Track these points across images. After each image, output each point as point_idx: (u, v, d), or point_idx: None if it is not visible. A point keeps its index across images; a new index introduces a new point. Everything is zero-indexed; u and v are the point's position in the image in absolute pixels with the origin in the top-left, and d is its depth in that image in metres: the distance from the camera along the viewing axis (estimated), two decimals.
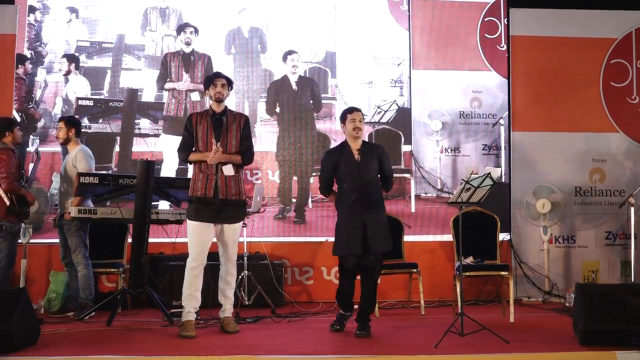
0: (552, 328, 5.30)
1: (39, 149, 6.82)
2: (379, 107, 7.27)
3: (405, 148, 7.30)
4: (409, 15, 7.41)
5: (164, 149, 7.07)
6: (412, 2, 7.40)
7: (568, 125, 7.29)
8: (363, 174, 5.03)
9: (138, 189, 5.59)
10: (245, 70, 7.27)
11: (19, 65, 7.08)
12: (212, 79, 5.14)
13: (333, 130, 7.17)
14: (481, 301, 6.70)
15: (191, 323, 5.00)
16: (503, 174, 7.14)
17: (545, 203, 7.06)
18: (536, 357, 4.33)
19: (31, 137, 7.04)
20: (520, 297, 6.90)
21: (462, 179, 4.95)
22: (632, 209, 6.14)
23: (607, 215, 7.22)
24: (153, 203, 5.91)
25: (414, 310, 6.30)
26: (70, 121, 6.03)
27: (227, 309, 5.19)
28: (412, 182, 7.26)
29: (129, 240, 6.12)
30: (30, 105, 7.09)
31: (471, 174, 4.83)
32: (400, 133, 7.29)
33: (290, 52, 7.25)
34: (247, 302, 6.11)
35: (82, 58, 7.19)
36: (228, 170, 5.04)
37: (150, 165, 5.63)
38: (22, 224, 5.91)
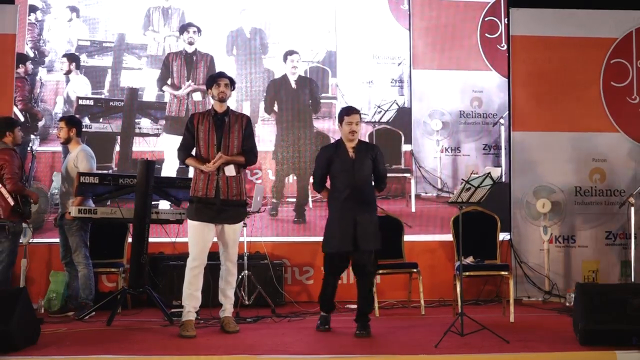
0: (552, 328, 5.31)
1: (37, 148, 6.84)
2: (379, 107, 7.27)
3: (405, 148, 7.30)
4: (409, 14, 7.41)
5: (164, 149, 7.07)
6: (412, 2, 7.40)
7: (568, 125, 7.29)
8: (357, 172, 5.04)
9: (138, 189, 5.59)
10: (246, 70, 7.27)
11: (20, 65, 7.08)
12: (216, 79, 5.13)
13: (332, 129, 7.18)
14: (481, 301, 6.71)
15: (191, 323, 5.00)
16: (503, 173, 7.15)
17: (546, 203, 7.07)
18: (536, 357, 4.34)
19: (32, 136, 7.03)
20: (521, 297, 6.90)
21: (462, 179, 4.95)
22: (632, 209, 6.13)
23: (607, 215, 7.22)
24: (153, 203, 5.90)
25: (414, 310, 6.30)
26: (71, 121, 6.02)
27: (228, 309, 5.19)
28: (413, 181, 7.26)
29: (129, 240, 6.13)
30: (34, 105, 7.09)
31: (471, 174, 4.84)
32: (401, 133, 7.29)
33: (290, 53, 7.25)
34: (247, 302, 6.11)
35: (83, 57, 7.19)
36: (230, 170, 5.04)
37: (151, 165, 5.63)
38: (24, 224, 5.90)
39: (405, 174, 7.28)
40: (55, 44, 7.21)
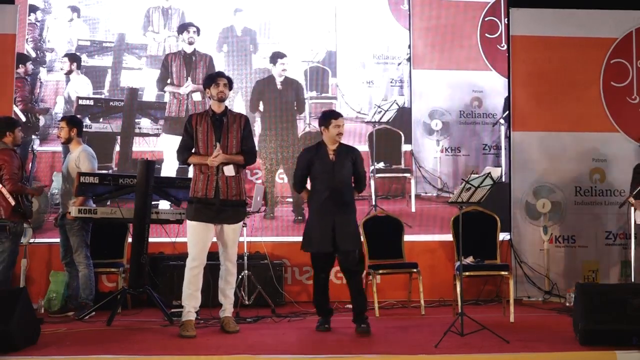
0: (552, 328, 5.31)
1: (38, 147, 6.83)
2: (379, 107, 7.26)
3: (405, 147, 7.30)
4: (409, 14, 7.41)
5: (164, 149, 7.06)
6: (412, 2, 7.40)
7: (568, 125, 7.29)
8: (337, 174, 5.14)
9: (138, 189, 5.59)
10: (244, 70, 7.27)
11: (20, 65, 7.08)
12: (215, 78, 5.12)
13: None
14: (481, 301, 6.70)
15: (191, 323, 5.00)
16: (503, 173, 7.14)
17: (546, 203, 7.07)
18: (536, 357, 4.34)
19: (32, 136, 7.03)
20: (521, 297, 6.90)
21: (462, 179, 4.95)
22: (632, 208, 6.13)
23: (607, 215, 7.22)
24: (153, 203, 5.90)
25: (414, 310, 6.30)
26: (72, 121, 6.02)
27: (227, 309, 5.19)
28: (413, 181, 7.26)
29: (129, 240, 6.13)
30: (34, 105, 7.09)
31: (471, 174, 4.84)
32: (401, 132, 7.29)
33: (280, 55, 7.23)
34: (247, 302, 6.11)
35: (83, 57, 7.19)
36: (229, 170, 5.04)
37: (151, 165, 5.63)
38: (25, 225, 5.89)
39: (405, 174, 7.28)
40: (55, 44, 7.21)
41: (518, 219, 7.22)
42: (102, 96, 7.19)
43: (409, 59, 7.37)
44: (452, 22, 7.42)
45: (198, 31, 7.21)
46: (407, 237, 6.61)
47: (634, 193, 6.01)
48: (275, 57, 7.23)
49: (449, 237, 6.51)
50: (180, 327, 4.99)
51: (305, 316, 5.91)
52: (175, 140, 5.45)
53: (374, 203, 7.14)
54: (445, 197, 7.09)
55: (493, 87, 7.41)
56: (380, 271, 6.15)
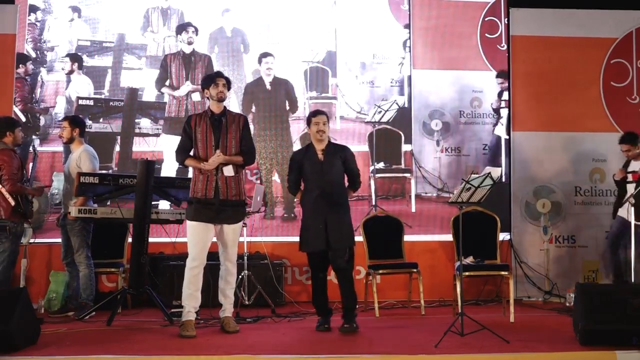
0: (552, 328, 5.31)
1: (39, 148, 6.82)
2: (379, 107, 7.26)
3: (405, 148, 7.30)
4: (409, 14, 7.41)
5: (164, 149, 7.07)
6: (412, 2, 7.40)
7: (568, 125, 7.29)
8: (326, 174, 5.21)
9: (138, 189, 5.59)
10: (242, 70, 7.27)
11: (20, 65, 7.08)
12: (214, 78, 5.12)
13: (331, 129, 7.14)
14: (481, 301, 6.70)
15: (191, 323, 5.00)
16: (503, 174, 7.15)
17: (546, 203, 7.07)
18: (536, 357, 4.34)
19: (33, 137, 7.03)
20: (521, 297, 6.90)
21: (462, 179, 4.95)
22: (632, 209, 6.13)
23: (607, 215, 7.20)
24: (153, 203, 5.90)
25: (414, 310, 6.30)
26: (75, 121, 6.02)
27: (227, 309, 5.19)
28: (413, 181, 7.26)
29: (129, 240, 6.13)
30: (34, 105, 7.09)
31: (471, 174, 4.84)
32: (401, 133, 7.29)
33: (265, 55, 7.22)
34: (247, 302, 6.11)
35: (83, 57, 7.19)
36: (228, 170, 5.05)
37: (151, 165, 5.63)
38: (26, 225, 5.89)
39: (405, 174, 7.28)
40: (55, 44, 7.21)
41: (518, 219, 7.22)
42: (102, 96, 7.19)
43: (408, 59, 7.37)
44: (452, 22, 7.42)
45: (196, 31, 7.21)
46: (407, 237, 6.61)
47: (634, 193, 6.00)
48: (261, 57, 7.24)
49: (449, 237, 6.51)
50: (180, 327, 4.99)
51: (305, 316, 5.91)
52: (175, 141, 5.45)
53: (374, 203, 7.14)
54: (445, 197, 7.08)
55: (493, 87, 7.41)
56: (380, 271, 6.15)
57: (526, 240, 7.18)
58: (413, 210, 7.23)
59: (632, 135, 6.44)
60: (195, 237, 5.02)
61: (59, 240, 6.08)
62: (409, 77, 7.37)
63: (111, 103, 7.17)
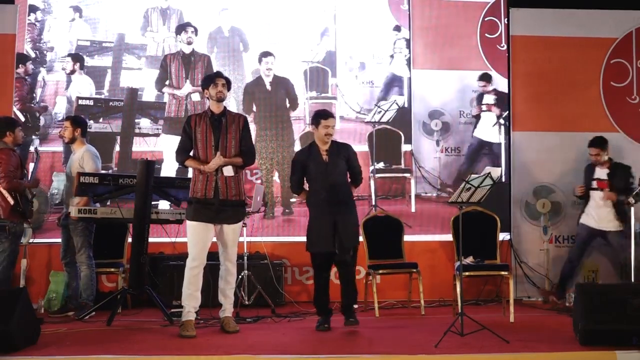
0: (552, 328, 5.31)
1: (40, 148, 6.82)
2: (379, 107, 7.26)
3: (405, 147, 7.30)
4: (409, 14, 7.41)
5: (164, 149, 7.07)
6: (412, 2, 7.40)
7: (568, 125, 7.29)
8: (330, 175, 5.23)
9: (138, 189, 5.59)
10: (242, 70, 7.27)
11: (20, 65, 7.08)
12: (214, 78, 5.12)
13: None
14: (481, 301, 6.70)
15: (191, 323, 5.00)
16: (503, 174, 7.14)
17: (545, 203, 7.07)
18: (536, 357, 4.34)
19: (33, 137, 7.03)
20: (520, 297, 6.90)
21: (462, 179, 4.95)
22: (632, 209, 6.13)
23: None
24: (153, 203, 5.90)
25: (414, 310, 6.30)
26: (76, 121, 6.02)
27: (227, 309, 5.20)
28: (413, 181, 7.26)
29: (129, 240, 6.13)
30: (34, 105, 7.09)
31: (471, 174, 4.84)
32: (401, 132, 7.29)
33: (265, 54, 7.22)
34: (247, 302, 6.11)
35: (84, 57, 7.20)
36: (228, 171, 5.05)
37: (151, 165, 5.63)
38: (25, 225, 5.88)
39: (405, 174, 7.28)
40: (55, 44, 7.21)
41: (518, 219, 7.22)
42: (102, 96, 7.19)
43: (408, 59, 7.37)
44: (452, 22, 7.41)
45: (196, 31, 7.20)
46: (407, 237, 6.61)
47: (634, 194, 6.00)
48: (261, 56, 7.23)
49: (449, 237, 6.51)
50: (180, 327, 5.00)
51: (305, 316, 5.91)
52: (175, 141, 5.45)
53: (374, 203, 7.14)
54: (445, 197, 7.08)
55: (493, 87, 7.40)
56: (380, 271, 6.15)
57: (526, 240, 7.18)
58: (413, 210, 7.23)
59: (602, 139, 6.48)
60: (195, 237, 5.02)
61: (59, 240, 6.08)
62: (409, 77, 7.35)
63: (111, 103, 7.17)
